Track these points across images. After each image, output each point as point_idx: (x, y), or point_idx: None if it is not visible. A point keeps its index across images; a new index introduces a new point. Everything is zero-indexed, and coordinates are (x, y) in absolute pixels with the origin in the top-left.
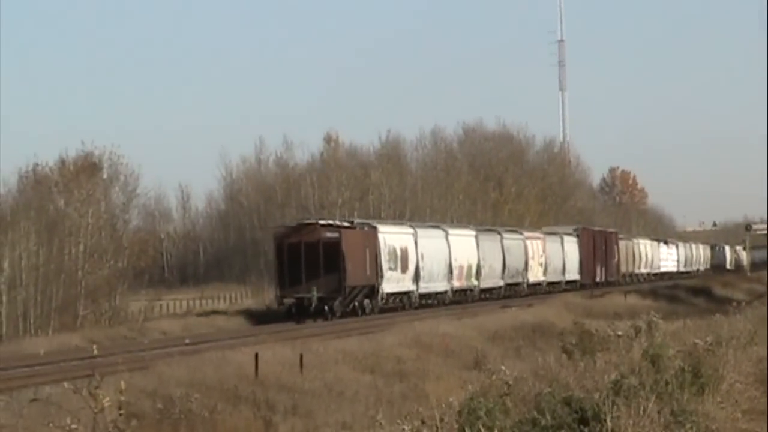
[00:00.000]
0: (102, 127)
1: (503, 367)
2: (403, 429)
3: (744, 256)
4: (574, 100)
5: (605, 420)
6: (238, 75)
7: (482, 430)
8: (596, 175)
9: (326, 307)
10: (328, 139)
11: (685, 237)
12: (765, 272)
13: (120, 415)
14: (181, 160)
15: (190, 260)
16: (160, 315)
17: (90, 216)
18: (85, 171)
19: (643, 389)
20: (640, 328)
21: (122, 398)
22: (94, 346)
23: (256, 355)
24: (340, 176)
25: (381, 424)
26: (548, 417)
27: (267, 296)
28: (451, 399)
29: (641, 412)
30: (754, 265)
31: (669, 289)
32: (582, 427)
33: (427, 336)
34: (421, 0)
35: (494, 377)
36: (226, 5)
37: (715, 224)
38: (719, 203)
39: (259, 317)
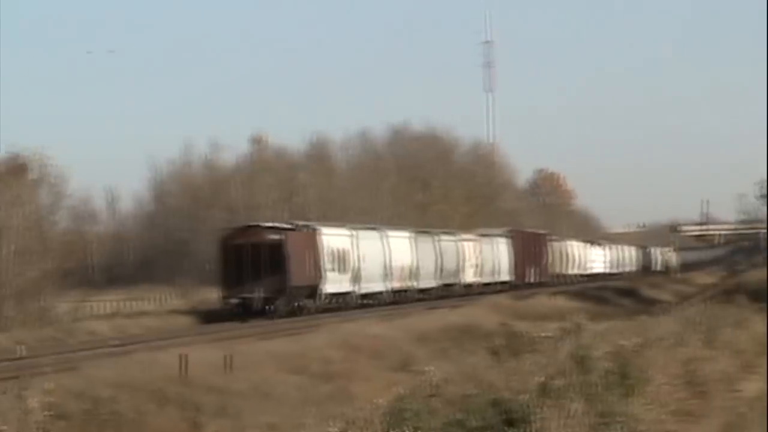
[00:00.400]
0: (29, 129)
1: (430, 369)
2: (330, 430)
3: (673, 258)
4: (501, 102)
5: (532, 421)
6: (166, 76)
7: (409, 431)
8: (523, 176)
9: (270, 307)
10: (255, 141)
11: (612, 238)
12: (692, 274)
13: (47, 416)
14: (109, 162)
15: (117, 261)
16: (89, 316)
17: (18, 217)
18: (13, 172)
19: (571, 391)
20: (568, 330)
21: (50, 399)
22: (22, 347)
23: (185, 357)
24: (267, 177)
25: (308, 425)
26: (475, 418)
27: (194, 297)
28: (378, 400)
29: (568, 414)
30: (683, 267)
31: (596, 291)
32: (509, 428)
33: (354, 337)
34: (348, 0)
35: (421, 378)
36: (153, 6)
37: (642, 226)
38: (646, 205)
39: (191, 316)
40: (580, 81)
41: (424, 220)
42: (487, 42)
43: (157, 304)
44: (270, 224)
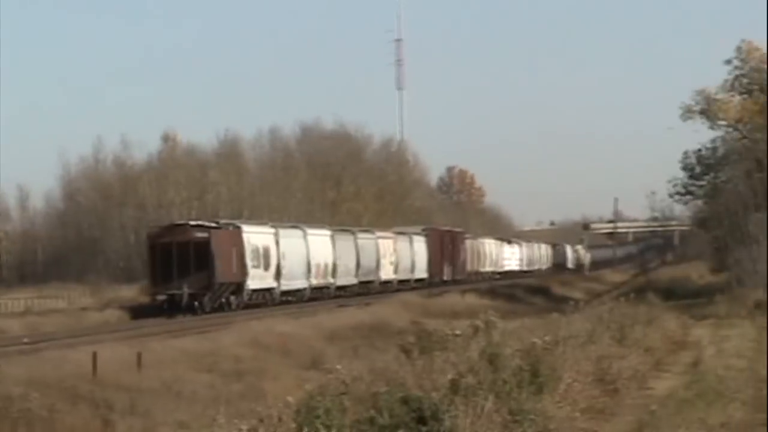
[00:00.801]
0: None
1: (340, 367)
2: (241, 428)
3: (585, 255)
4: (412, 99)
5: (443, 419)
6: (76, 73)
7: (320, 429)
8: (434, 174)
9: (196, 303)
10: (165, 139)
11: (523, 236)
12: (603, 272)
13: None
14: (20, 160)
15: (28, 259)
16: None
17: None
18: None
19: (482, 388)
20: (478, 327)
21: None
22: None
23: (96, 355)
24: (178, 175)
25: (219, 423)
26: (386, 416)
27: (106, 294)
28: (288, 398)
29: (479, 411)
30: (594, 264)
31: (508, 288)
32: (420, 426)
33: (265, 335)
34: None
35: (331, 376)
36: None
37: (552, 223)
38: (557, 203)
39: (121, 312)
40: (490, 79)
41: (335, 218)
42: (398, 40)
43: (68, 302)
44: (196, 223)
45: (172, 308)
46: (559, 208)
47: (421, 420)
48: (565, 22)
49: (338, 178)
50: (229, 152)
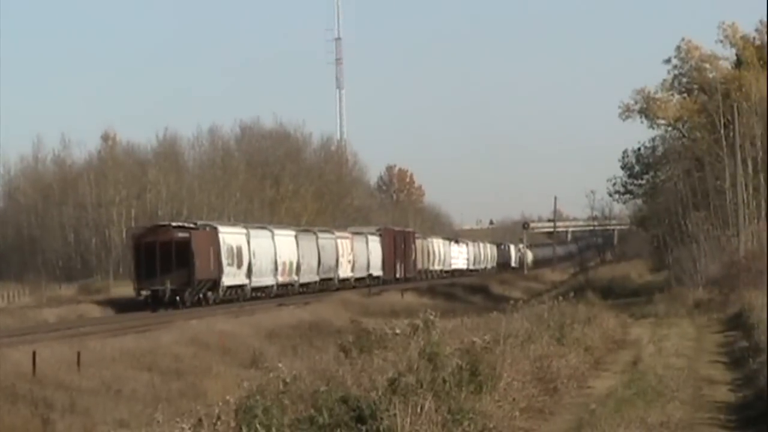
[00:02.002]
0: None
1: (280, 365)
2: (182, 427)
3: (528, 254)
4: (351, 99)
5: (382, 418)
6: (16, 72)
7: (259, 428)
8: (374, 173)
9: (178, 298)
10: (105, 138)
11: (463, 235)
12: (542, 270)
13: None
14: None
15: None
16: None
17: None
18: None
19: (421, 387)
20: (418, 326)
21: None
22: None
23: (35, 354)
24: (117, 174)
25: (159, 421)
26: (325, 415)
27: (45, 293)
28: (228, 397)
29: (418, 411)
30: (534, 263)
31: (447, 287)
32: (359, 425)
33: (204, 334)
34: None
35: (271, 375)
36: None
37: (492, 222)
38: (496, 202)
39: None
40: (429, 78)
41: (274, 217)
42: (337, 39)
43: (7, 301)
44: (177, 224)
45: (155, 303)
46: (499, 207)
47: (360, 419)
48: (504, 22)
49: (277, 177)
50: (168, 151)
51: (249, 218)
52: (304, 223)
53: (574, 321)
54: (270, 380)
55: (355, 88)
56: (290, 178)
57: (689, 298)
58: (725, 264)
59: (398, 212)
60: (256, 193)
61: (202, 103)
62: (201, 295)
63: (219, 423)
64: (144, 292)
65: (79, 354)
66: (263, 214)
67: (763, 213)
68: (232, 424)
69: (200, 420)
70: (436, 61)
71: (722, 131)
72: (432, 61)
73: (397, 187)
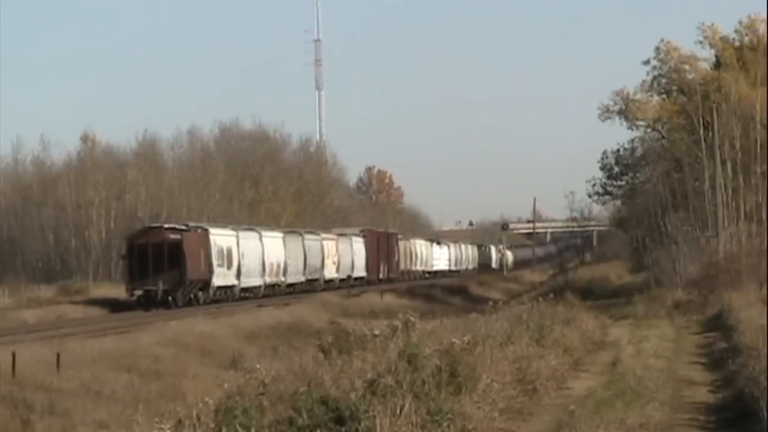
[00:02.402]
0: None
1: (259, 366)
2: (161, 428)
3: (509, 255)
4: (331, 100)
5: (361, 419)
6: None
7: (239, 429)
8: (353, 174)
9: (170, 297)
10: (85, 139)
11: (442, 236)
12: (522, 272)
13: None
14: None
15: None
16: None
17: None
18: None
19: (400, 388)
20: (397, 327)
21: None
22: None
23: (14, 354)
24: (97, 176)
25: (138, 422)
26: (305, 416)
27: (24, 294)
28: (207, 398)
29: (398, 412)
30: (514, 264)
31: (426, 288)
32: (338, 426)
33: (184, 335)
34: None
35: (250, 376)
36: None
37: (471, 223)
38: (475, 203)
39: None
40: (408, 79)
41: (253, 218)
42: (316, 40)
43: None
44: (169, 226)
45: (147, 303)
46: (478, 209)
47: (340, 420)
48: (483, 22)
49: (257, 178)
50: (148, 152)
51: (228, 219)
52: (283, 224)
53: (554, 322)
54: (249, 381)
55: (335, 90)
56: (269, 179)
57: (668, 299)
58: (704, 265)
59: (377, 213)
60: (236, 194)
61: (181, 104)
62: (192, 295)
63: (199, 424)
64: (137, 292)
65: (58, 355)
66: (242, 215)
67: (742, 214)
68: (212, 425)
69: (180, 421)
70: (415, 62)
71: (701, 132)
72: (411, 62)
73: (377, 188)
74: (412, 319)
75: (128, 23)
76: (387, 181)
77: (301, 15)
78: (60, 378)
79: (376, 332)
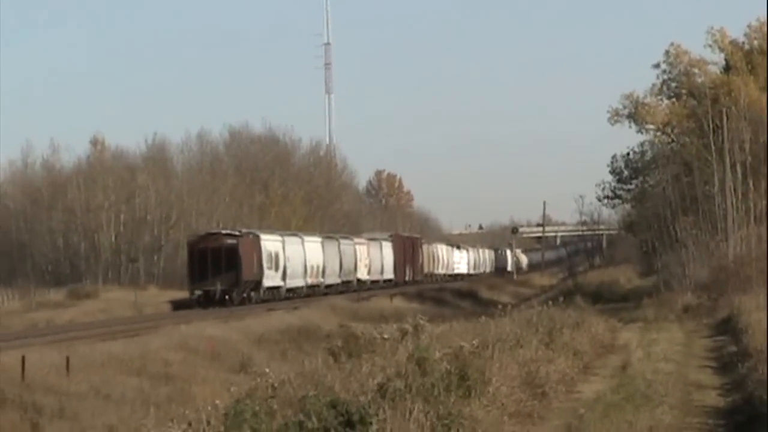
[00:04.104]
0: None
1: (269, 370)
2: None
3: (523, 259)
4: (341, 103)
5: (371, 423)
6: (5, 77)
7: None
8: (362, 177)
9: (227, 297)
10: (94, 142)
11: (452, 239)
12: (531, 275)
13: None
14: None
15: None
16: None
17: None
18: None
19: (410, 392)
20: (407, 331)
21: None
22: None
23: (24, 358)
24: (106, 179)
25: (147, 426)
26: (314, 420)
27: (34, 298)
28: (217, 402)
29: (407, 415)
30: (531, 267)
31: (435, 292)
32: (348, 429)
33: (193, 339)
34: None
35: (260, 380)
36: None
37: (481, 227)
38: (485, 206)
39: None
40: (418, 82)
41: (263, 222)
42: (326, 44)
43: None
44: (226, 232)
45: (207, 302)
46: (488, 212)
47: (349, 424)
48: (495, 27)
49: (266, 182)
50: (157, 156)
51: (238, 223)
52: (293, 228)
53: (563, 326)
54: (259, 385)
55: (344, 93)
56: (279, 183)
57: (678, 303)
58: (714, 269)
59: (387, 217)
60: (245, 198)
61: (191, 107)
62: (245, 295)
63: (208, 428)
64: (197, 292)
65: (68, 359)
66: (252, 219)
67: (752, 218)
68: (221, 428)
69: (189, 424)
70: (425, 66)
71: (711, 136)
72: (421, 66)
73: (386, 192)
74: (422, 322)
75: (137, 27)
76: (396, 184)
77: (311, 18)
78: (69, 381)
79: (386, 336)
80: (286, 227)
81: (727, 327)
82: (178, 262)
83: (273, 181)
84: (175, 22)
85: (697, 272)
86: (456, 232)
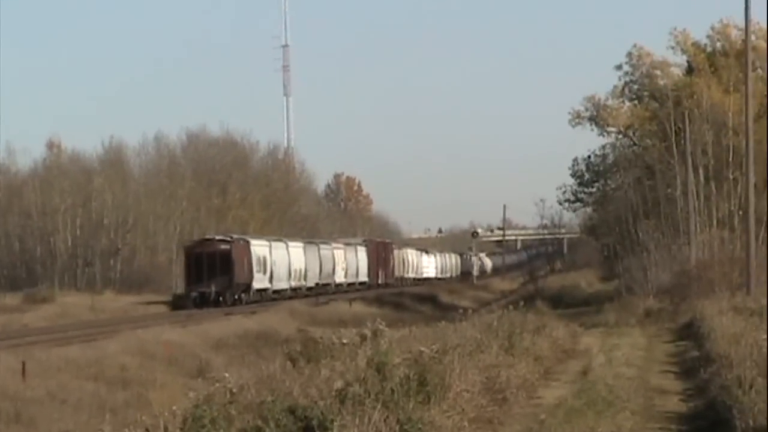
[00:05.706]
0: None
1: (227, 375)
2: None
3: (488, 263)
4: (299, 106)
5: (330, 429)
6: None
7: None
8: (321, 181)
9: (221, 298)
10: (50, 146)
11: (412, 244)
12: (492, 279)
13: None
14: None
15: None
16: None
17: None
18: None
19: (369, 397)
20: (366, 336)
21: None
22: None
23: None
24: (62, 182)
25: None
26: (273, 426)
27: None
28: (174, 407)
29: (367, 421)
30: (483, 273)
31: (395, 297)
32: None
33: (150, 344)
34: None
35: (217, 385)
36: None
37: (440, 231)
38: (444, 210)
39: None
40: (377, 85)
41: (221, 226)
42: (284, 46)
43: None
44: (220, 237)
45: (202, 303)
46: (448, 216)
47: (308, 430)
48: (454, 29)
49: (224, 186)
50: (114, 159)
51: (196, 227)
52: (251, 232)
53: (524, 330)
54: (217, 390)
55: (303, 96)
56: (237, 186)
57: (640, 307)
58: (676, 273)
59: (347, 221)
60: (203, 201)
61: (148, 110)
62: (237, 296)
63: None
64: (193, 294)
65: (24, 363)
66: (210, 223)
67: (715, 221)
68: None
69: (147, 430)
70: (384, 69)
71: (673, 139)
72: (380, 69)
73: (345, 196)
74: (381, 327)
75: (93, 29)
76: (355, 188)
77: (269, 21)
78: (26, 386)
79: (345, 341)
80: (244, 230)
81: (689, 332)
82: (134, 266)
83: (231, 185)
84: (132, 25)
85: (659, 276)
86: (415, 236)
